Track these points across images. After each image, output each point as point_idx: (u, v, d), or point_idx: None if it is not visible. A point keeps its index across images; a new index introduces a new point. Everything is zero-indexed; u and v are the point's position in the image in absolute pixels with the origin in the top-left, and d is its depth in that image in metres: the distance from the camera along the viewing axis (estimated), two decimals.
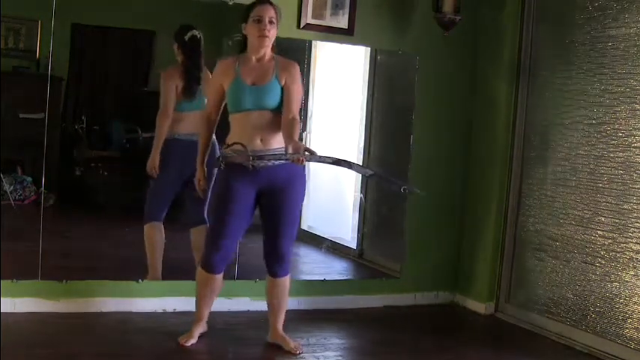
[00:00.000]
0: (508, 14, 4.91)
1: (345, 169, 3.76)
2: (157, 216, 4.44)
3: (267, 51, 3.80)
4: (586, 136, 4.46)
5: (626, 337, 4.15)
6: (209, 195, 3.98)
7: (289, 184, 3.81)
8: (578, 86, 4.52)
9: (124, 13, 4.66)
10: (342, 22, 4.73)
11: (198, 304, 3.97)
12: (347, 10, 4.71)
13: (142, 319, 4.27)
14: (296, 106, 3.78)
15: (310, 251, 5.46)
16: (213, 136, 4.00)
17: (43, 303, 4.21)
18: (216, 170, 3.88)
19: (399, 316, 4.90)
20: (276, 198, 3.82)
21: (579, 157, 4.50)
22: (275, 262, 3.91)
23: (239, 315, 4.20)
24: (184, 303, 4.27)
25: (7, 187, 4.67)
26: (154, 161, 4.39)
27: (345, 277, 5.30)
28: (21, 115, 4.58)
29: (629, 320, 4.14)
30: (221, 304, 4.45)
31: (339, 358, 4.02)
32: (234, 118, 3.79)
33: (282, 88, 3.77)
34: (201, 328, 3.99)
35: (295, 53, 4.91)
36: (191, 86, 4.37)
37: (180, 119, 4.37)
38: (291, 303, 4.67)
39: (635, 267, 4.14)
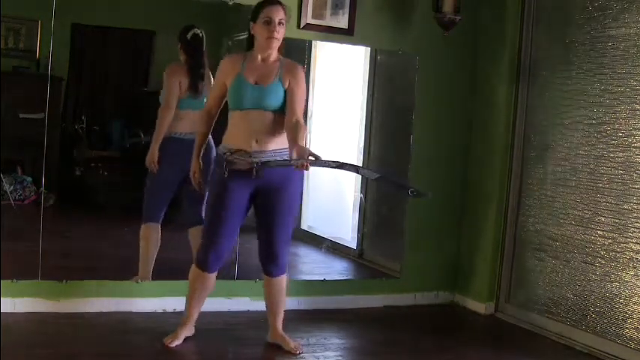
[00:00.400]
0: (508, 14, 4.91)
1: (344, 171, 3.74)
2: (155, 217, 4.43)
3: (274, 52, 3.80)
4: (586, 136, 4.46)
5: (626, 337, 4.15)
6: (206, 193, 3.97)
7: (285, 184, 3.80)
8: (578, 86, 4.52)
9: (124, 13, 4.66)
10: (342, 22, 4.73)
11: (188, 303, 3.97)
12: (347, 10, 4.71)
13: (141, 320, 4.27)
14: (300, 109, 3.76)
15: (310, 251, 5.46)
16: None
17: (43, 303, 4.21)
18: (212, 167, 3.88)
19: (399, 316, 4.90)
20: (271, 198, 3.81)
21: (579, 157, 4.50)
22: (270, 261, 3.90)
23: (239, 315, 4.20)
24: (184, 303, 4.26)
25: (7, 187, 4.67)
26: (152, 156, 4.38)
27: (345, 277, 5.30)
28: (21, 115, 4.58)
29: (629, 320, 4.14)
30: (221, 304, 4.46)
31: (339, 358, 4.02)
32: (233, 116, 3.78)
33: (284, 90, 3.76)
34: (187, 331, 3.97)
35: (295, 53, 4.91)
36: (195, 83, 4.37)
37: (180, 118, 4.36)
38: (291, 303, 4.68)
39: (635, 267, 4.14)
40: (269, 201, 3.82)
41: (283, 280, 3.97)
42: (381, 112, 5.25)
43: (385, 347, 4.25)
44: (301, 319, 4.54)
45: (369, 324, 4.65)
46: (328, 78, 5.33)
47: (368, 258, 5.32)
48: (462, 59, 5.08)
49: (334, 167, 3.58)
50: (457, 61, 5.07)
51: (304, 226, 5.41)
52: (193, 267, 3.90)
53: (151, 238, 4.41)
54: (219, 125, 3.92)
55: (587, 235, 4.41)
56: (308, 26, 4.63)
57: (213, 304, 4.45)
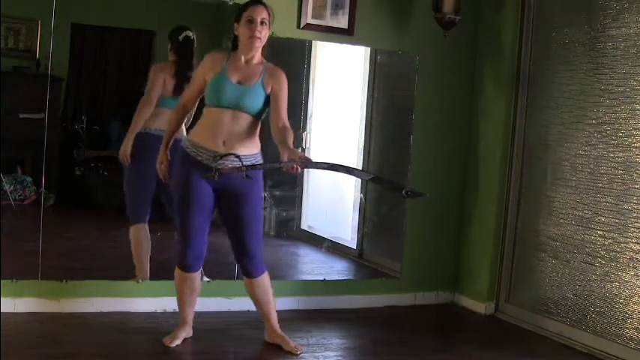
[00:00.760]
0: (508, 14, 4.90)
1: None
2: (140, 217, 4.42)
3: (257, 53, 3.77)
4: (586, 136, 4.46)
5: (626, 337, 4.15)
6: (171, 181, 3.87)
7: (246, 188, 3.77)
8: (578, 86, 4.52)
9: (124, 13, 4.66)
10: (342, 22, 4.73)
11: (180, 305, 3.98)
12: (347, 10, 4.71)
13: (141, 319, 4.28)
14: (285, 114, 3.74)
15: (310, 251, 5.47)
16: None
17: (43, 303, 4.21)
18: (175, 163, 3.81)
19: (399, 316, 4.90)
20: (236, 202, 3.79)
21: (579, 157, 4.50)
22: (247, 263, 3.89)
23: (239, 315, 4.20)
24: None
25: (7, 187, 4.66)
26: (126, 149, 4.36)
27: (345, 277, 5.30)
28: (21, 115, 4.58)
29: (629, 320, 4.14)
30: (221, 304, 4.46)
31: (339, 358, 4.02)
32: (207, 112, 3.75)
33: (265, 95, 3.74)
34: (185, 332, 3.97)
35: (295, 53, 4.92)
36: (181, 84, 4.34)
37: (159, 115, 4.32)
38: (291, 303, 4.69)
39: (635, 267, 4.14)
40: (235, 205, 3.80)
41: (265, 279, 3.95)
42: (381, 112, 5.25)
43: (385, 347, 4.25)
44: (301, 319, 4.54)
45: (369, 324, 4.65)
46: (328, 78, 5.32)
47: (368, 258, 5.32)
48: (461, 59, 5.08)
49: (325, 169, 3.59)
50: (457, 61, 5.07)
51: (304, 226, 5.41)
52: (177, 270, 3.89)
53: (140, 239, 4.41)
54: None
55: (587, 235, 4.41)
56: (308, 26, 4.63)
57: (213, 304, 4.46)
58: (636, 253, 4.14)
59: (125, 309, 4.36)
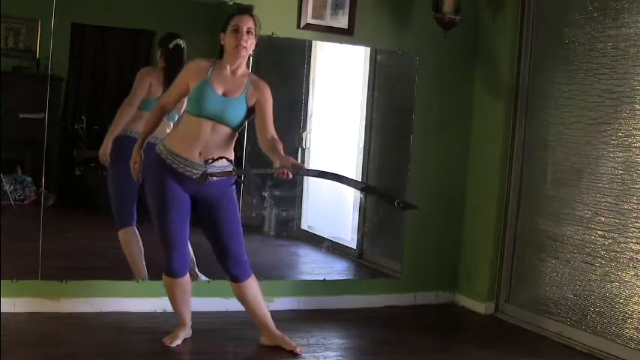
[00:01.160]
0: (508, 14, 4.90)
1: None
2: (128, 221, 4.40)
3: (243, 64, 3.74)
4: (586, 136, 4.46)
5: (626, 337, 4.15)
6: (146, 189, 3.85)
7: (221, 195, 3.77)
8: (578, 86, 4.52)
9: (124, 13, 4.66)
10: (342, 22, 4.73)
11: (176, 309, 3.97)
12: (347, 10, 4.71)
13: (141, 319, 4.28)
14: (272, 126, 3.72)
15: (310, 251, 5.46)
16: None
17: (43, 303, 4.22)
18: (148, 168, 3.77)
19: (399, 316, 4.90)
20: (214, 209, 3.79)
21: (579, 157, 4.50)
22: (233, 266, 3.87)
23: (238, 315, 4.19)
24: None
25: (7, 187, 4.66)
26: (105, 148, 4.35)
27: (345, 277, 5.30)
28: (21, 115, 4.58)
29: (629, 320, 4.14)
30: (220, 304, 4.46)
31: (339, 358, 4.02)
32: (187, 119, 3.71)
33: (247, 108, 3.72)
34: (184, 333, 3.97)
35: (295, 53, 4.92)
36: None
37: (141, 118, 4.26)
38: (291, 303, 4.69)
39: (635, 267, 4.14)
40: (213, 212, 3.80)
41: (253, 282, 3.93)
42: (381, 112, 5.25)
43: (385, 347, 4.25)
44: (301, 319, 4.54)
45: (369, 324, 4.65)
46: (328, 78, 5.32)
47: (368, 258, 5.32)
48: (461, 59, 5.08)
49: (316, 176, 3.59)
50: (457, 61, 5.07)
51: (304, 226, 5.41)
52: (164, 277, 3.87)
53: (131, 241, 4.40)
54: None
55: (587, 235, 4.41)
56: (308, 26, 4.63)
57: (212, 304, 4.46)
58: (636, 253, 4.14)
59: (125, 309, 4.36)
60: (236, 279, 3.90)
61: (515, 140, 4.91)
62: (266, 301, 4.08)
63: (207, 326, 4.19)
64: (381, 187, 5.22)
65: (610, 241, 4.28)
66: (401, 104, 5.21)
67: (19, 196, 4.73)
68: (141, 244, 4.41)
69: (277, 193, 5.12)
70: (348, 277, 5.34)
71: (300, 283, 4.88)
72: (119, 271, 4.45)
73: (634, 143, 4.18)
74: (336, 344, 4.25)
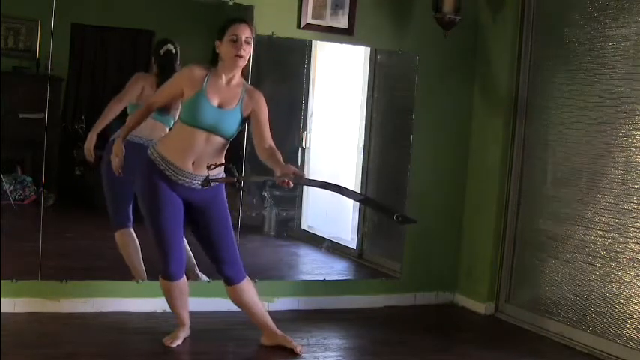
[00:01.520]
0: (508, 14, 4.90)
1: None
2: (123, 222, 4.41)
3: (238, 73, 3.73)
4: (586, 136, 4.46)
5: (626, 337, 4.15)
6: (138, 192, 3.84)
7: (212, 200, 3.78)
8: (578, 86, 4.52)
9: (124, 13, 4.66)
10: (342, 22, 4.73)
11: (174, 310, 3.97)
12: (347, 10, 4.71)
13: (141, 319, 4.28)
14: (269, 135, 3.72)
15: (310, 251, 5.46)
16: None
17: (43, 303, 4.22)
18: (142, 171, 3.75)
19: (399, 316, 4.90)
20: (206, 214, 3.80)
21: (579, 157, 4.50)
22: (226, 269, 3.88)
23: (238, 315, 4.19)
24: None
25: (7, 187, 4.66)
26: (90, 142, 4.36)
27: (345, 277, 5.30)
28: (21, 115, 4.58)
29: (629, 320, 4.14)
30: (221, 304, 4.45)
31: (339, 358, 4.02)
32: (180, 128, 3.69)
33: (241, 119, 3.71)
34: (184, 333, 3.98)
35: (295, 53, 4.92)
36: None
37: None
38: (291, 303, 4.69)
39: (635, 267, 4.14)
40: (205, 218, 3.81)
41: (248, 283, 3.94)
42: (381, 112, 5.25)
43: (385, 347, 4.25)
44: (301, 319, 4.54)
45: (369, 324, 4.65)
46: (328, 78, 5.32)
47: (368, 258, 5.32)
48: (461, 59, 5.08)
49: (317, 187, 3.59)
50: (457, 61, 5.07)
51: (304, 226, 5.41)
52: (161, 280, 3.87)
53: (127, 242, 4.40)
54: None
55: (587, 235, 4.41)
56: (308, 26, 4.63)
57: (212, 304, 4.46)
58: (636, 253, 4.14)
59: (125, 309, 4.36)
60: (230, 281, 3.91)
61: (515, 140, 4.91)
62: (263, 301, 4.08)
63: (207, 326, 4.19)
64: (381, 188, 5.22)
65: (610, 241, 4.28)
66: (401, 104, 5.21)
67: (19, 196, 4.73)
68: (138, 245, 4.41)
69: (277, 193, 5.12)
70: (348, 277, 5.34)
71: (300, 283, 4.88)
72: (119, 271, 4.45)
73: (634, 143, 4.18)
74: (336, 344, 4.25)
